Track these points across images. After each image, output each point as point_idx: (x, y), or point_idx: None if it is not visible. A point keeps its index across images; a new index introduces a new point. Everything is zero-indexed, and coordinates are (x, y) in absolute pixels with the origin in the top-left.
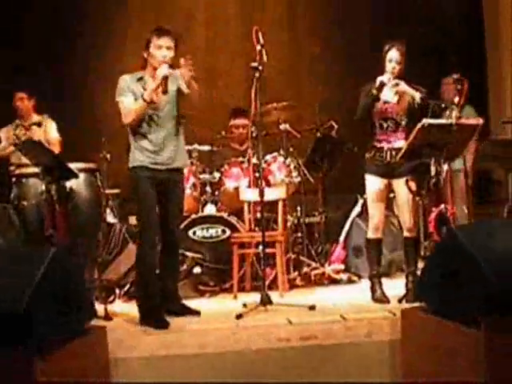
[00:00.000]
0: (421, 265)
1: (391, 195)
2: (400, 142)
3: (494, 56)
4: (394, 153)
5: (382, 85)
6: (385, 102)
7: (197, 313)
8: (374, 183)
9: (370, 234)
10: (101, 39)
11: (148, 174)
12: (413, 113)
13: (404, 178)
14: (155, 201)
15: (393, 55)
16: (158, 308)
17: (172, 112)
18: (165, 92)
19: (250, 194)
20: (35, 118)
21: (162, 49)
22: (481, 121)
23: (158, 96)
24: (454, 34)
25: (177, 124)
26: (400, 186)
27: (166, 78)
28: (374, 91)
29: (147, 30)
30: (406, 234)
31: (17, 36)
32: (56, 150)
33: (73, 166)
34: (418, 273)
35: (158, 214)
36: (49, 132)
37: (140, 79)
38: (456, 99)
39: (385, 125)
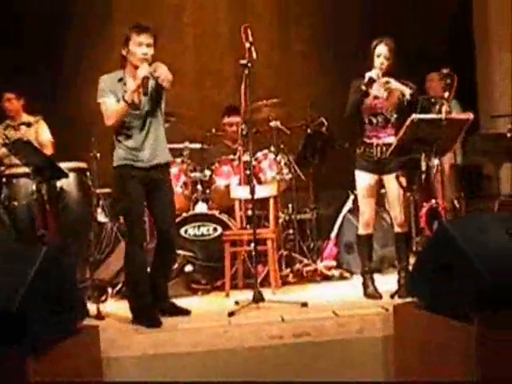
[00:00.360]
0: (413, 260)
1: (382, 191)
2: (390, 138)
3: (483, 50)
4: (383, 148)
5: (371, 81)
6: (374, 98)
7: (187, 312)
8: (364, 179)
9: (361, 230)
10: (89, 40)
11: (132, 173)
12: (402, 108)
13: (394, 174)
14: (142, 199)
15: (381, 50)
16: (150, 307)
17: (151, 109)
18: (145, 94)
19: (240, 192)
20: (25, 118)
21: (142, 46)
22: (471, 115)
23: (139, 96)
24: (442, 29)
25: (157, 120)
26: (390, 181)
27: (146, 79)
28: (363, 87)
29: None
30: (397, 229)
31: (17, 36)
32: (48, 151)
33: (63, 165)
34: (410, 268)
35: (149, 213)
36: (41, 133)
37: (120, 80)
38: (446, 94)
39: (374, 120)
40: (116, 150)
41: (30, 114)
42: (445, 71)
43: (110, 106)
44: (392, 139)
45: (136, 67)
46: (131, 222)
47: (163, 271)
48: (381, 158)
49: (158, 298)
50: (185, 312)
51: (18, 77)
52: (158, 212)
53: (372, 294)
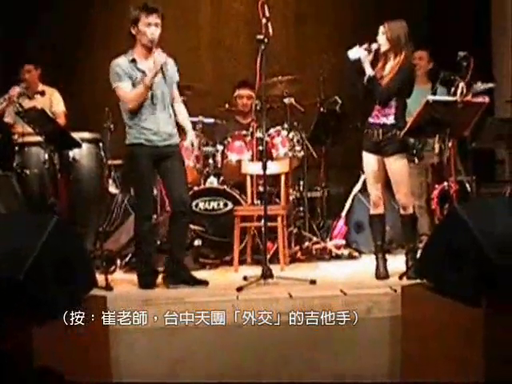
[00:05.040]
0: (422, 241)
1: None
2: (387, 118)
3: (500, 35)
4: (380, 130)
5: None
6: (380, 78)
7: (205, 283)
8: (368, 160)
9: (371, 210)
10: (104, 15)
11: (146, 151)
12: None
13: (394, 156)
14: (152, 174)
15: (381, 30)
16: (149, 272)
17: (167, 91)
18: (164, 78)
19: (252, 168)
20: (41, 87)
21: (150, 26)
22: (487, 99)
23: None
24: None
25: (168, 102)
26: (391, 163)
27: (164, 65)
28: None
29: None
30: (401, 211)
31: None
32: (61, 121)
33: (76, 135)
34: (418, 250)
35: (161, 183)
36: (55, 104)
37: (132, 61)
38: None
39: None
40: (128, 130)
41: (47, 85)
42: (461, 54)
43: (127, 89)
44: (390, 120)
45: (145, 46)
46: (139, 196)
47: (177, 240)
48: (379, 140)
49: (175, 268)
50: (202, 283)
51: (41, 49)
52: (169, 182)
53: (382, 274)
